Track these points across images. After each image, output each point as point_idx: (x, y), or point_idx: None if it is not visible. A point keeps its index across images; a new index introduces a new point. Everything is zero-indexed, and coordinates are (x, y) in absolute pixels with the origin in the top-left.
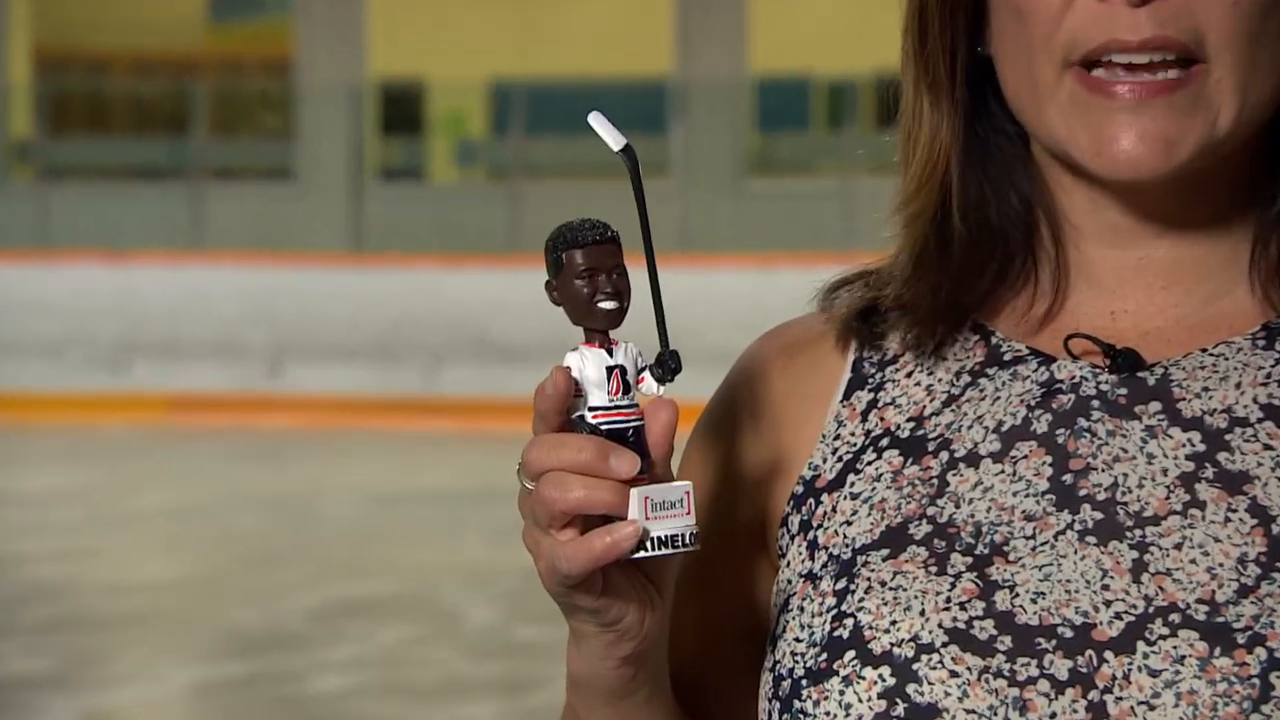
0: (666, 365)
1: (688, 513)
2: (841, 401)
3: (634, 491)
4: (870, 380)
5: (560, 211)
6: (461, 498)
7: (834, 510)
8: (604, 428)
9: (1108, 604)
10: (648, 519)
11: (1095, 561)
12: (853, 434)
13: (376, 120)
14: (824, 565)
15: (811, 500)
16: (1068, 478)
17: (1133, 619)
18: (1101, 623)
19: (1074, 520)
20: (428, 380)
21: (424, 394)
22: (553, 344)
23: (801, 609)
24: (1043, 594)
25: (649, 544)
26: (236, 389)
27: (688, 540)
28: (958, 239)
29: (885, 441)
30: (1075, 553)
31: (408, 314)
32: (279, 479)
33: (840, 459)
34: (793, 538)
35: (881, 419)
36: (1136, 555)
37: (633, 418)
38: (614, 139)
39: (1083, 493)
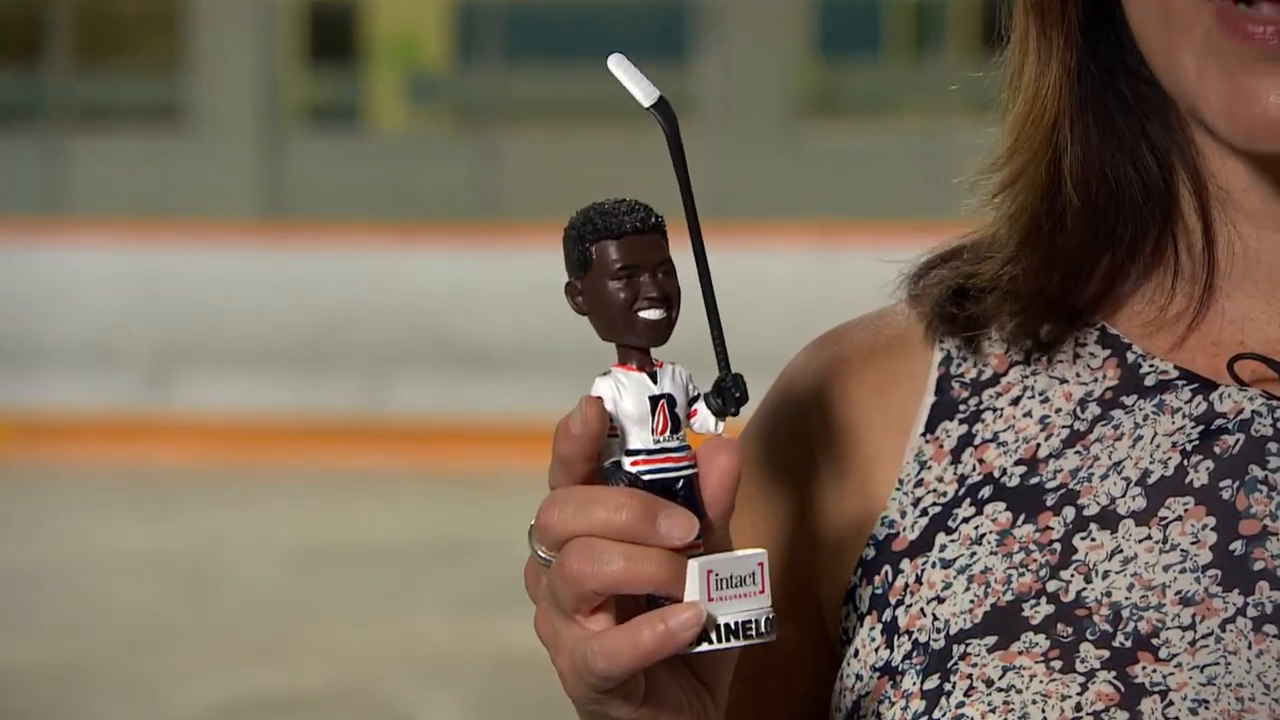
0: (728, 393)
1: (761, 591)
2: (923, 435)
3: (693, 563)
4: (962, 407)
5: (547, 168)
6: (415, 556)
7: (919, 582)
8: (646, 478)
9: None
10: (711, 600)
11: (1277, 659)
12: (941, 479)
13: (299, 46)
14: (907, 656)
15: (888, 568)
16: (1238, 546)
17: None
18: None
19: (1247, 604)
20: (370, 396)
21: (365, 415)
22: (539, 349)
23: (878, 715)
24: (1205, 703)
25: (714, 634)
26: (109, 408)
27: (763, 628)
28: (1072, 213)
29: (987, 491)
30: (1249, 647)
31: (343, 307)
32: (168, 530)
33: (925, 513)
34: (862, 617)
35: (980, 461)
36: None
37: (683, 464)
38: (643, 91)
39: (1258, 567)
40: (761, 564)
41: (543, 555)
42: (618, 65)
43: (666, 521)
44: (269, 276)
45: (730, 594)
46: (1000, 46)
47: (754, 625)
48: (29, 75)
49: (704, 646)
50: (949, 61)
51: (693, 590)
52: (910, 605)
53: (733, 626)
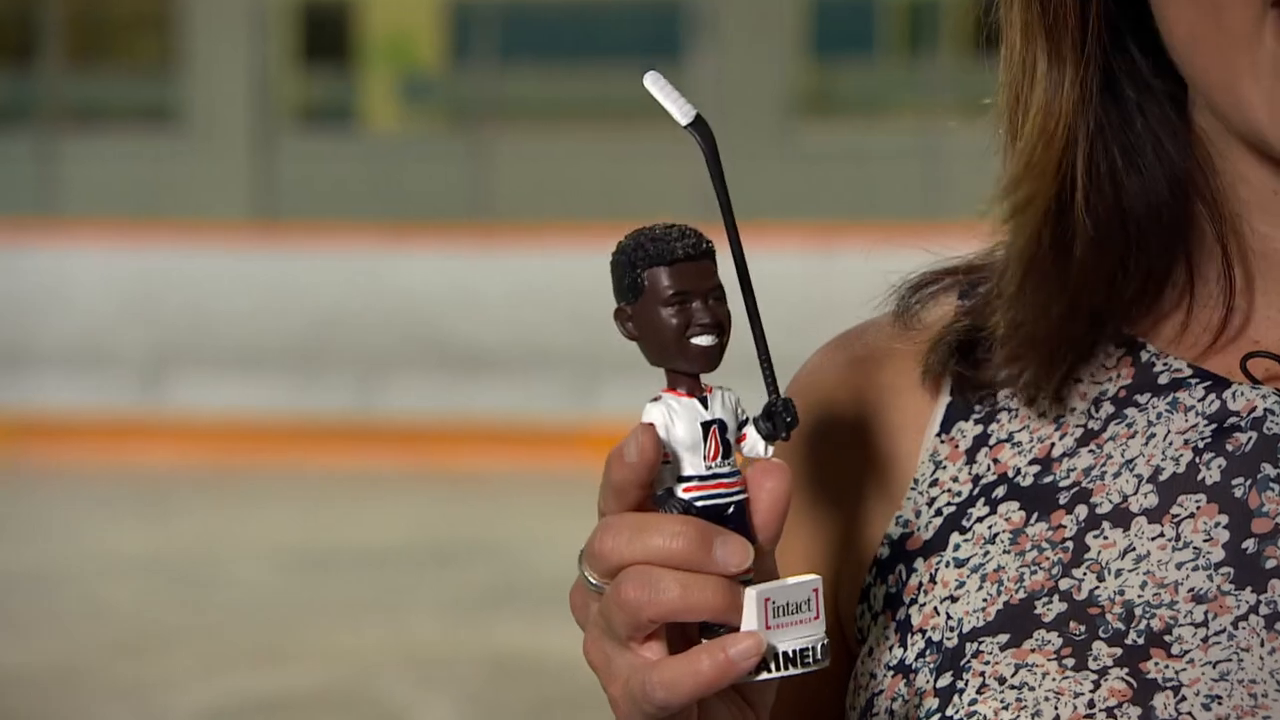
0: (779, 418)
1: (816, 617)
2: (938, 435)
3: (750, 592)
4: (978, 407)
5: (540, 168)
6: (408, 557)
7: (933, 581)
8: (700, 504)
9: None
10: (769, 627)
11: None
12: (955, 479)
13: (292, 46)
14: (921, 654)
15: (901, 567)
16: (1250, 544)
17: None
18: None
19: (1259, 601)
20: (364, 397)
21: (359, 415)
22: (532, 349)
23: (891, 712)
24: (1218, 699)
25: (773, 662)
26: (103, 410)
27: (819, 655)
28: (1080, 237)
29: (1001, 491)
30: (1262, 645)
31: (336, 308)
32: (162, 532)
33: (939, 513)
34: (876, 616)
35: (995, 461)
36: None
37: (735, 489)
38: (679, 109)
39: (1270, 564)
40: (816, 590)
41: (594, 582)
42: (654, 83)
43: (722, 549)
44: (262, 277)
45: (787, 621)
46: (995, 55)
47: (811, 652)
48: (22, 75)
49: (763, 675)
50: (943, 61)
51: (750, 619)
52: (924, 604)
53: (791, 654)
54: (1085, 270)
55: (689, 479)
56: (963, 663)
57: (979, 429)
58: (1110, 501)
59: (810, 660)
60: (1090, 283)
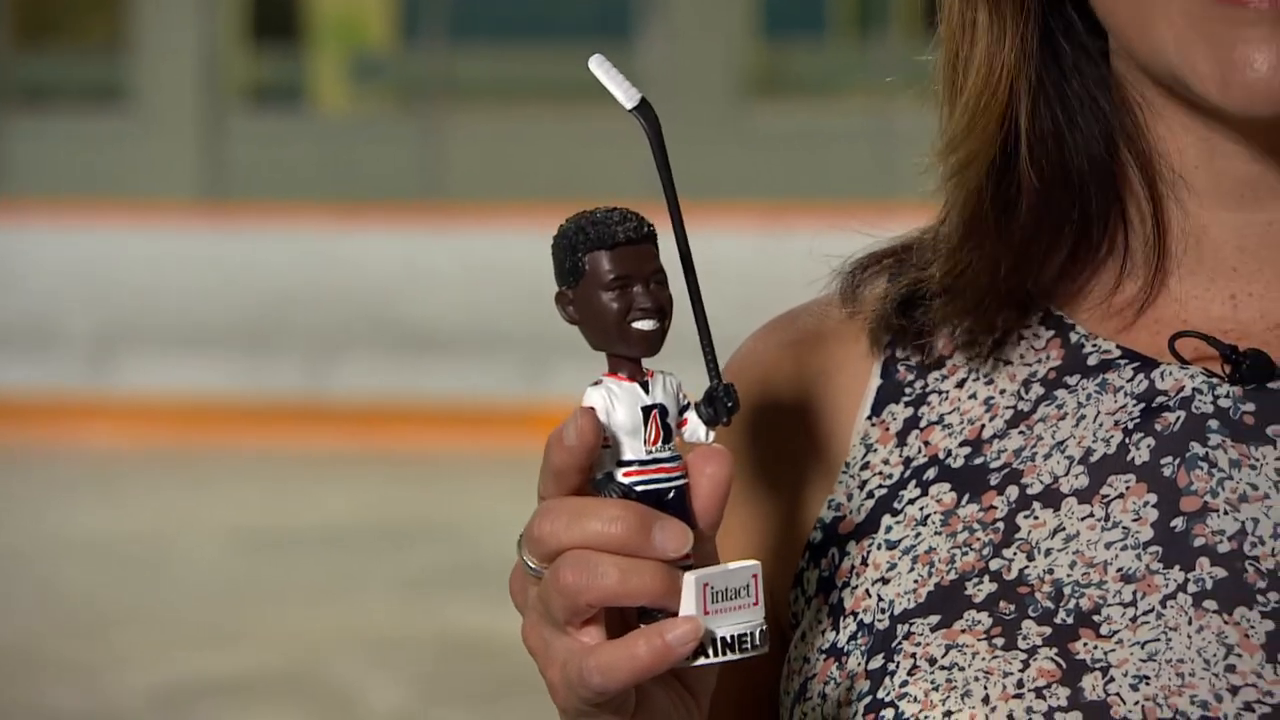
0: (720, 403)
1: (755, 603)
2: (869, 418)
3: (688, 577)
4: (908, 390)
5: (491, 148)
6: (360, 539)
7: (864, 563)
8: (639, 489)
9: (1234, 691)
10: (707, 613)
11: (1217, 635)
12: (887, 462)
13: (240, 24)
14: (852, 637)
15: (834, 550)
16: (1178, 523)
17: (1267, 710)
18: (1226, 715)
19: (1188, 580)
20: (313, 377)
21: (308, 395)
22: (484, 329)
23: (824, 696)
24: (1146, 678)
25: (711, 648)
26: (49, 390)
27: (757, 640)
28: (1026, 193)
29: (932, 472)
30: (1190, 623)
31: (287, 288)
32: (110, 513)
33: (871, 495)
34: (809, 600)
35: (926, 443)
36: (1272, 627)
37: (675, 474)
38: (624, 93)
39: (1199, 543)
40: (755, 576)
41: (533, 567)
42: (598, 66)
43: (661, 534)
44: (212, 257)
45: (725, 607)
46: (934, 38)
47: (749, 638)
48: None
49: (700, 660)
50: (894, 42)
51: (689, 604)
52: (856, 587)
53: (729, 640)
54: (1030, 228)
55: (629, 463)
56: (894, 644)
57: (909, 411)
58: (1041, 482)
59: (749, 646)
60: (1035, 241)
